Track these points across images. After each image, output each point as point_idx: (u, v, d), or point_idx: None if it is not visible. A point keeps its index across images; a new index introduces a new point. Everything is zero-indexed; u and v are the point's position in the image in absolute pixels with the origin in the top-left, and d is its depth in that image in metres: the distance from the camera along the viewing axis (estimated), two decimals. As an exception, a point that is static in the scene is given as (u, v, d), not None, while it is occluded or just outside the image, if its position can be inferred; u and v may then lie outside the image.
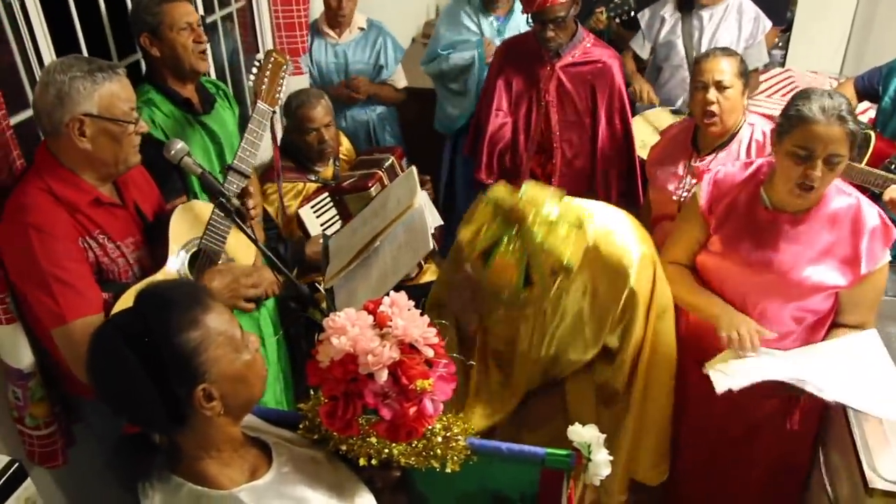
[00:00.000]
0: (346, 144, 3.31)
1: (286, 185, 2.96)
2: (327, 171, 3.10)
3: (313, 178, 3.04)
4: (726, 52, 2.50)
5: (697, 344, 2.16)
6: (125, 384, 1.18)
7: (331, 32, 3.65)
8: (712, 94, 2.43)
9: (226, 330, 1.23)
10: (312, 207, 2.99)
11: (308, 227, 2.96)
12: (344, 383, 1.32)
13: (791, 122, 1.92)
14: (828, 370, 1.98)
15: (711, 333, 2.07)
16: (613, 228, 1.91)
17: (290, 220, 2.97)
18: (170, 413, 1.19)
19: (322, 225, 3.00)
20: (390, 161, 3.11)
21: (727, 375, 1.98)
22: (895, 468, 1.90)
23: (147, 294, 1.23)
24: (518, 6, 3.44)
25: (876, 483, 1.88)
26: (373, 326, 1.33)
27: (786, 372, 1.96)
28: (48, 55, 2.28)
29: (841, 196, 2.00)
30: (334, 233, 2.93)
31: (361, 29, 3.70)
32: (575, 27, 3.05)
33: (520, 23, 3.58)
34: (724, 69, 2.43)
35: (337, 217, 3.03)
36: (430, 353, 1.34)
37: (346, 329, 1.30)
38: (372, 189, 2.95)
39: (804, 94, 1.93)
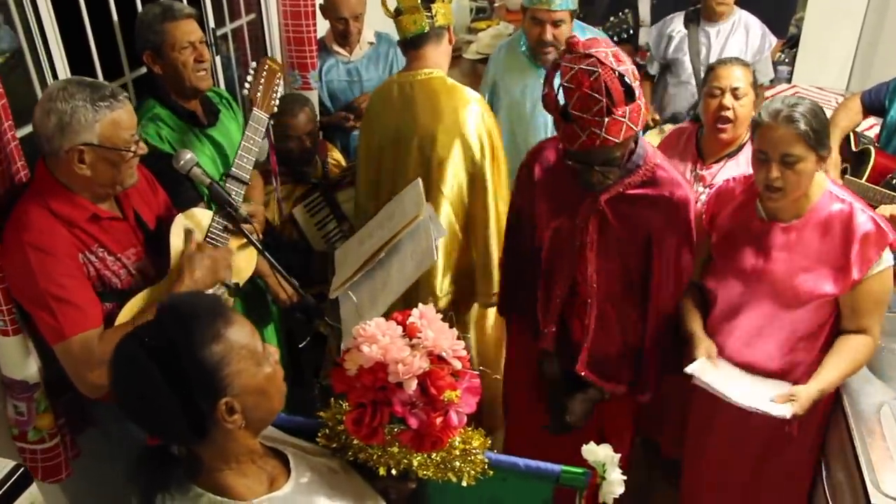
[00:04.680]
0: (336, 155, 3.30)
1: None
2: (316, 171, 3.12)
3: (303, 179, 3.07)
4: (741, 61, 2.51)
5: None
6: (148, 396, 1.18)
7: (341, 50, 3.52)
8: (728, 100, 2.43)
9: (248, 343, 1.23)
10: (305, 206, 3.02)
11: (302, 226, 2.99)
12: (373, 391, 1.33)
13: (752, 129, 2.04)
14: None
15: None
16: None
17: (283, 220, 2.99)
18: (192, 425, 1.19)
19: (316, 224, 3.04)
20: None
21: (704, 370, 2.05)
22: (898, 484, 1.93)
23: (169, 307, 1.23)
24: None
25: (878, 499, 1.89)
26: (402, 337, 1.35)
27: (743, 399, 2.00)
28: (62, 69, 2.29)
29: (834, 203, 2.02)
30: (332, 235, 2.98)
31: (371, 43, 3.58)
32: (633, 146, 2.06)
33: None
34: (741, 77, 2.44)
35: (330, 216, 3.06)
36: (458, 364, 1.36)
37: (377, 338, 1.32)
38: None
39: (767, 103, 2.00)
